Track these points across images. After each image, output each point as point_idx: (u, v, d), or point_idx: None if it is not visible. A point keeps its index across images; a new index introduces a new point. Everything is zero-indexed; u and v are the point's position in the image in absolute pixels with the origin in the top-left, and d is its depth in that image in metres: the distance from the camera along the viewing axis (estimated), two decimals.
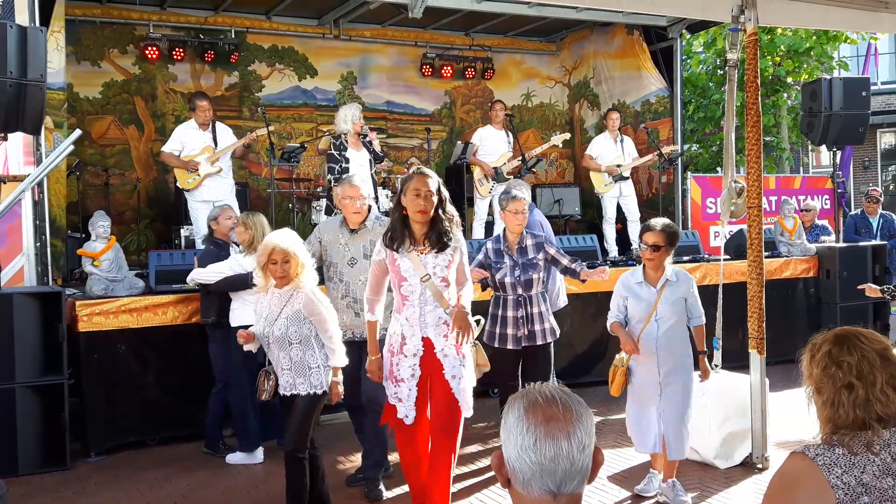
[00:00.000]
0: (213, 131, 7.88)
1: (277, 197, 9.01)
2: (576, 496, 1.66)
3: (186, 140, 7.77)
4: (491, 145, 9.06)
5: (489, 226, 9.21)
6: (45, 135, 6.96)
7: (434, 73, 11.66)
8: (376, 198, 8.26)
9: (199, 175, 7.71)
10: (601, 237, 9.53)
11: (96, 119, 9.89)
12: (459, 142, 9.98)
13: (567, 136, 9.32)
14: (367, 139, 7.88)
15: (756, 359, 5.47)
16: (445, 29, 11.60)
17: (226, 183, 7.98)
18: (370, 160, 7.97)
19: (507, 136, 9.14)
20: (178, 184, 7.93)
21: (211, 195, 7.76)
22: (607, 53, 11.64)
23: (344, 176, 5.22)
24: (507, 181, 8.85)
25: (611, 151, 9.50)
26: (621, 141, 9.59)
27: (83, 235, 7.96)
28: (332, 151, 7.79)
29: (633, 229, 9.58)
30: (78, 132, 6.65)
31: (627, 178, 9.54)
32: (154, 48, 9.95)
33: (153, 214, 10.02)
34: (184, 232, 8.74)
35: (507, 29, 11.85)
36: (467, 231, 9.83)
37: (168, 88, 10.29)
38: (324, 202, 8.69)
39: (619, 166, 9.41)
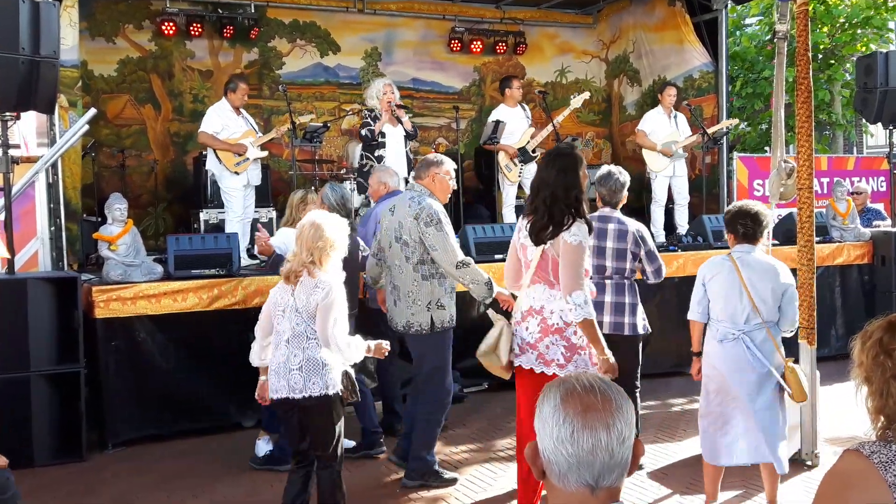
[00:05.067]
0: (244, 116, 8.08)
1: (300, 179, 9.04)
2: (614, 490, 1.66)
3: (226, 122, 7.90)
4: (510, 125, 8.98)
5: (518, 210, 9.15)
6: (60, 113, 7.05)
7: (463, 48, 11.61)
8: (406, 179, 8.28)
9: (248, 158, 7.90)
10: (646, 220, 9.44)
11: (111, 98, 9.98)
12: (490, 120, 9.93)
13: (587, 95, 9.13)
14: (396, 115, 7.92)
15: (806, 350, 5.42)
16: (475, 1, 11.56)
17: (259, 166, 8.22)
18: (404, 137, 8.01)
19: (524, 110, 9.08)
20: (215, 166, 8.01)
21: (251, 179, 8.02)
22: (647, 26, 11.51)
23: (436, 156, 5.25)
24: (535, 158, 8.80)
25: (664, 128, 9.34)
26: (675, 118, 9.45)
27: (99, 219, 8.07)
28: (368, 121, 7.87)
29: (681, 213, 9.48)
30: (93, 111, 6.72)
31: (683, 156, 9.42)
32: (171, 23, 10.01)
33: (171, 197, 10.12)
34: (203, 215, 8.82)
35: (541, 1, 11.76)
36: (499, 215, 9.81)
37: (185, 66, 10.35)
38: (347, 185, 8.71)
39: (673, 143, 9.29)
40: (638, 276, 5.38)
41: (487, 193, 9.93)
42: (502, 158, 8.92)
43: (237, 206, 7.87)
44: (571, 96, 9.14)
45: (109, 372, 6.08)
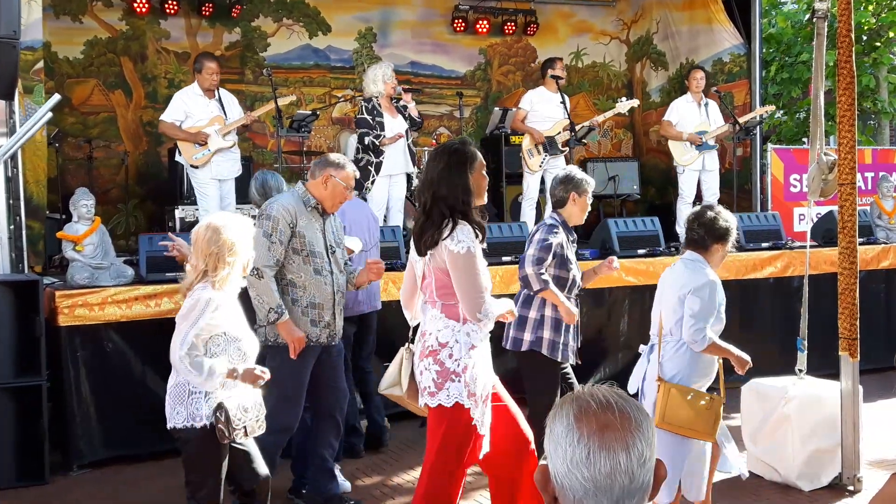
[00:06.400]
0: (219, 100, 7.91)
1: (286, 173, 9.04)
2: None
3: (191, 109, 7.79)
4: (544, 111, 8.91)
5: (538, 206, 9.13)
6: (18, 100, 7.04)
7: (467, 28, 11.63)
8: (409, 175, 8.27)
9: (209, 150, 7.75)
10: (671, 219, 9.44)
11: (77, 82, 9.99)
12: (497, 108, 9.94)
13: (635, 102, 9.16)
14: (402, 103, 7.89)
15: (847, 363, 5.41)
16: None
17: (235, 158, 8.05)
18: (407, 130, 7.98)
19: (564, 99, 9.03)
20: (181, 158, 7.97)
21: (220, 172, 7.85)
22: (673, 4, 11.53)
23: (338, 157, 5.14)
24: (563, 153, 8.78)
25: (693, 117, 9.31)
26: (706, 105, 9.42)
27: (63, 216, 8.06)
28: (364, 115, 7.80)
29: None
30: (57, 97, 6.70)
31: (714, 147, 9.39)
32: (143, 0, 10.02)
33: (143, 193, 10.13)
34: (178, 213, 8.82)
35: None
36: (506, 213, 9.81)
37: (159, 47, 10.36)
38: None
39: (702, 133, 9.27)
40: None
41: (494, 188, 9.92)
42: (527, 142, 8.85)
43: (212, 202, 7.78)
44: (619, 99, 9.13)
45: (75, 385, 6.07)
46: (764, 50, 12.34)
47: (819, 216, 9.06)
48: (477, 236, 3.82)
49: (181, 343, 3.74)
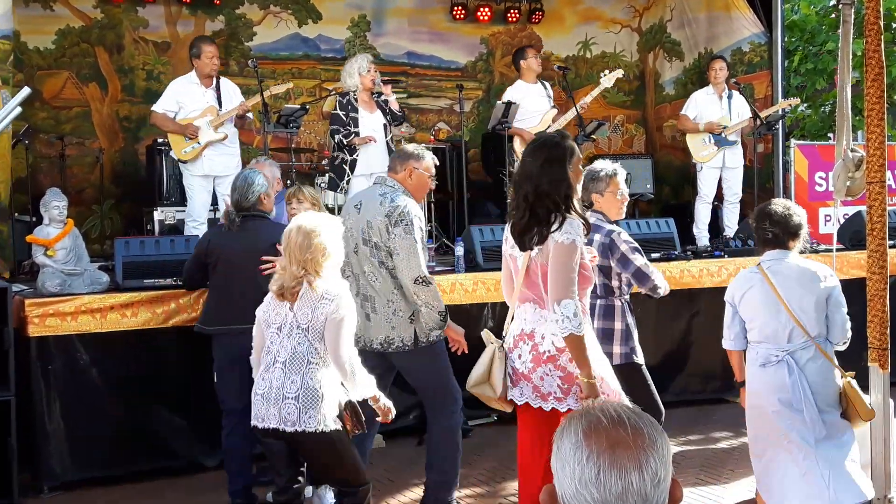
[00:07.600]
0: (218, 88, 7.88)
1: None
2: None
3: (185, 98, 7.75)
4: (528, 105, 8.94)
5: None
6: None
7: (468, 16, 11.64)
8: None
9: (199, 143, 7.70)
10: (687, 220, 9.44)
11: (49, 75, 10.00)
12: (499, 102, 9.93)
13: (620, 73, 9.15)
14: (382, 97, 7.89)
15: (877, 375, 5.37)
16: None
17: (232, 153, 7.99)
18: (385, 125, 7.96)
19: (545, 88, 9.05)
20: (172, 153, 7.95)
21: (214, 168, 7.80)
22: None
23: (416, 148, 5.28)
24: None
25: (714, 111, 9.32)
26: (729, 97, 9.42)
27: (34, 219, 8.06)
28: (338, 112, 7.79)
29: (731, 211, 9.49)
30: (26, 91, 6.71)
31: (735, 142, 9.39)
32: None
33: (120, 193, 10.12)
34: (157, 215, 8.82)
35: None
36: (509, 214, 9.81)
37: (137, 37, 10.36)
38: (328, 177, 8.71)
39: (724, 128, 9.26)
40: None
41: (497, 188, 9.92)
42: (518, 145, 8.89)
43: (197, 205, 7.77)
44: (602, 74, 9.13)
45: (45, 400, 6.05)
46: (786, 39, 12.34)
47: (846, 217, 9.05)
48: (587, 232, 4.03)
49: (347, 343, 4.17)
